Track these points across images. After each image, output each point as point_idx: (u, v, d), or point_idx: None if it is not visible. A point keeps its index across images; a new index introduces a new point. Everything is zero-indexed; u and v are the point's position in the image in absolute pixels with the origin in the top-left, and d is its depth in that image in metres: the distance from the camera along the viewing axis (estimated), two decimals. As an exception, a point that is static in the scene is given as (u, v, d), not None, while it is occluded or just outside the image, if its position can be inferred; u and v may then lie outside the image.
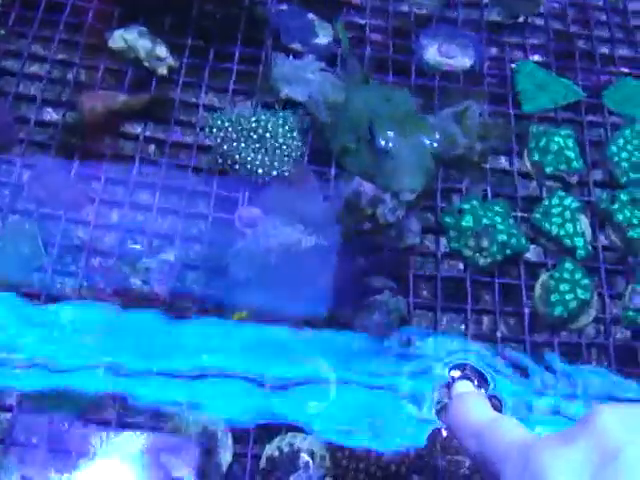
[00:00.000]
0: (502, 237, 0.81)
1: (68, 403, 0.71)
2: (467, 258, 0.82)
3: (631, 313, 0.80)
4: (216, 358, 0.74)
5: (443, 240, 0.84)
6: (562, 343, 0.79)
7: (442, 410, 0.70)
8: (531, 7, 1.01)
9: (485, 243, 0.81)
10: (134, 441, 0.71)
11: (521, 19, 1.01)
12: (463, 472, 0.71)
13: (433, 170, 0.78)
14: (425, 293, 0.82)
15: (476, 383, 0.70)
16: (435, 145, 0.78)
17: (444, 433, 0.66)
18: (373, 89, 0.83)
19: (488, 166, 0.89)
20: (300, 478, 0.69)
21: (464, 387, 0.56)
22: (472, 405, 0.50)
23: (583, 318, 0.79)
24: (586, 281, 0.79)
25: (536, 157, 0.87)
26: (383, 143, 0.76)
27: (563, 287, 0.78)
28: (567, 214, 0.83)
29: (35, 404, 0.71)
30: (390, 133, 0.77)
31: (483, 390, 0.71)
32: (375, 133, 0.75)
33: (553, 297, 0.78)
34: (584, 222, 0.84)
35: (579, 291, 0.78)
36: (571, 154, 0.87)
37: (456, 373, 0.72)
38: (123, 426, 0.71)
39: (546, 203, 0.85)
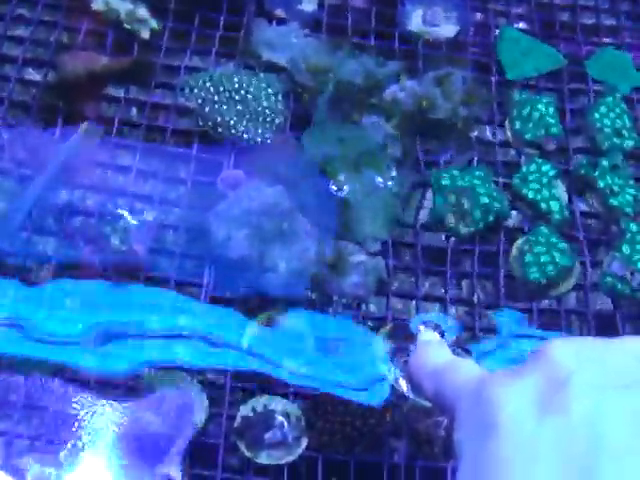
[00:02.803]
0: (484, 199, 0.81)
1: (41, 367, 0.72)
2: (449, 228, 0.82)
3: (609, 279, 0.80)
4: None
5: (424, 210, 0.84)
6: (541, 310, 0.79)
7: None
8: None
9: (466, 204, 0.80)
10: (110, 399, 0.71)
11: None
12: (439, 433, 0.71)
13: (398, 211, 0.78)
14: (406, 258, 0.82)
15: (438, 335, 0.71)
16: (390, 184, 0.78)
17: (403, 385, 0.66)
18: (328, 130, 0.83)
19: (471, 133, 0.88)
20: (275, 436, 0.69)
21: (427, 336, 0.57)
22: (432, 349, 0.51)
23: (563, 285, 0.79)
24: (563, 244, 0.79)
25: (517, 125, 0.87)
26: (334, 189, 0.77)
27: (538, 249, 0.78)
28: (544, 180, 0.83)
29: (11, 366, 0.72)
30: (342, 178, 0.78)
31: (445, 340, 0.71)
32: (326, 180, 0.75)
33: (527, 258, 0.78)
34: (560, 188, 0.84)
35: (556, 255, 0.78)
36: (551, 120, 0.87)
37: (421, 327, 0.72)
38: (99, 384, 0.71)
39: (524, 170, 0.85)
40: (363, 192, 0.80)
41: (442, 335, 0.70)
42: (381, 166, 0.81)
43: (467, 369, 0.46)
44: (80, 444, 0.69)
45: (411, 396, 0.62)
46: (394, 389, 0.69)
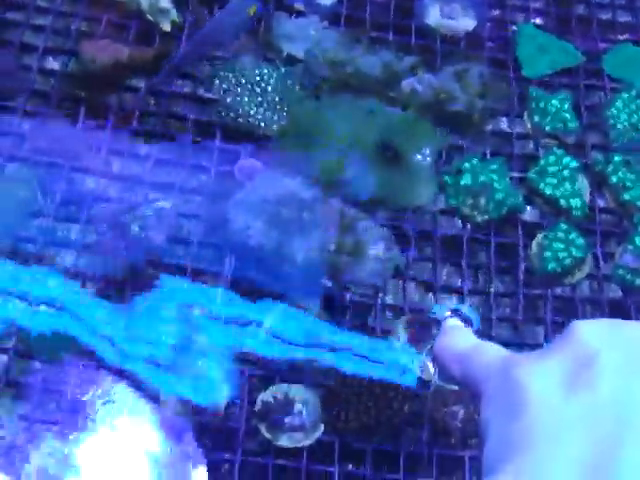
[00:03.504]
0: (499, 195, 0.81)
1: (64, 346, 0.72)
2: (465, 217, 0.82)
3: (620, 271, 0.81)
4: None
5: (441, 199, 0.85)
6: (556, 297, 0.80)
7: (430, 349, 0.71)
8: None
9: (482, 201, 0.81)
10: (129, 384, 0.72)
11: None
12: (456, 424, 0.72)
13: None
14: (423, 249, 0.83)
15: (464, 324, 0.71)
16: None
17: (431, 368, 0.66)
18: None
19: (489, 127, 0.89)
20: (294, 420, 0.70)
21: (453, 323, 0.58)
22: (457, 334, 0.52)
23: (577, 274, 0.80)
24: (581, 241, 0.80)
25: (536, 119, 0.88)
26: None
27: (557, 246, 0.79)
28: (565, 173, 0.84)
29: (31, 346, 0.72)
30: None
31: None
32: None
33: (546, 254, 0.79)
34: (583, 182, 0.85)
35: (573, 250, 0.79)
36: (567, 115, 0.88)
37: (447, 313, 0.73)
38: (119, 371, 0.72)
39: (542, 162, 0.85)
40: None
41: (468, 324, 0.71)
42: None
43: (493, 350, 0.47)
44: (99, 425, 0.69)
45: (438, 380, 0.63)
46: (420, 378, 0.70)
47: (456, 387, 0.59)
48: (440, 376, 0.61)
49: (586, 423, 0.36)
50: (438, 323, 0.69)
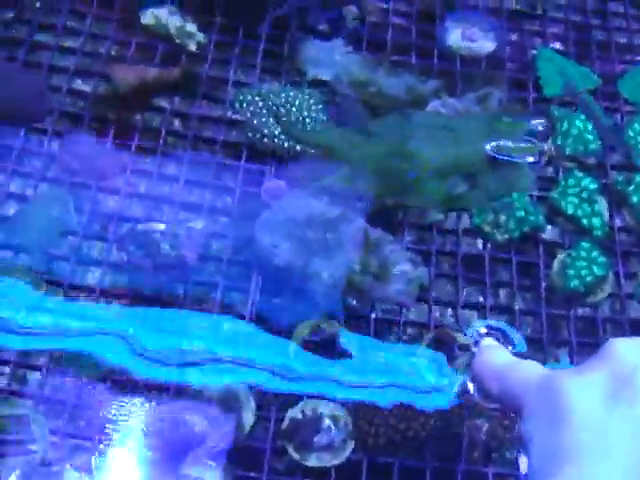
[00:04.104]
0: (520, 213, 0.83)
1: (92, 366, 0.73)
2: (486, 234, 0.84)
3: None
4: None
5: (464, 219, 0.86)
6: (577, 317, 0.82)
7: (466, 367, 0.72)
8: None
9: (503, 218, 0.83)
10: (158, 402, 0.73)
11: (539, 10, 1.03)
12: (480, 437, 0.73)
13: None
14: (446, 267, 0.84)
15: (502, 341, 0.72)
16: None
17: (470, 386, 0.67)
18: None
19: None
20: (322, 439, 0.71)
21: (489, 342, 0.59)
22: (495, 352, 0.53)
23: (599, 294, 0.81)
24: (603, 259, 0.81)
25: (557, 140, 0.89)
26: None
27: (580, 264, 0.80)
28: (585, 194, 0.85)
29: (62, 365, 0.73)
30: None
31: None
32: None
33: (569, 272, 0.80)
34: (602, 203, 0.86)
35: (595, 268, 0.80)
36: (589, 137, 0.89)
37: (483, 330, 0.74)
38: (148, 388, 0.73)
39: (563, 183, 0.87)
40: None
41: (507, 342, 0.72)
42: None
43: (531, 367, 0.48)
44: (119, 443, 0.70)
45: (477, 397, 0.64)
46: (459, 394, 0.71)
47: (495, 404, 0.60)
48: (479, 393, 0.62)
49: (629, 436, 0.37)
50: (475, 342, 0.71)
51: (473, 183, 0.84)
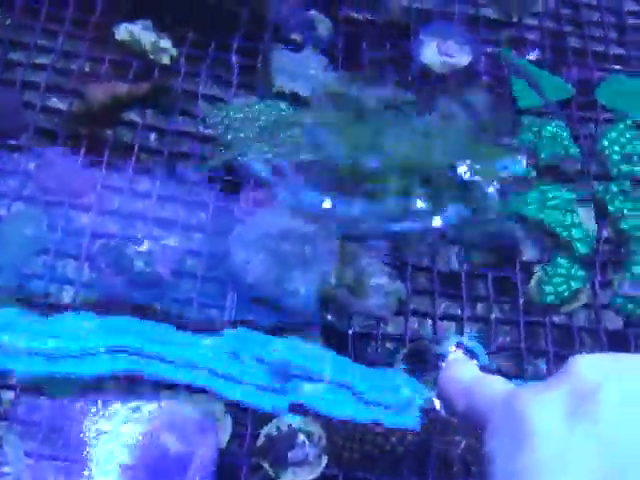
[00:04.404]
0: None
1: (67, 386, 0.73)
2: (464, 247, 0.84)
3: (620, 300, 0.82)
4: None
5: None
6: (554, 325, 0.82)
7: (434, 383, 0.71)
8: (527, 7, 1.03)
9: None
10: (134, 420, 0.72)
11: (515, 19, 1.03)
12: (458, 453, 0.72)
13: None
14: (423, 280, 0.84)
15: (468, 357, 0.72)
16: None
17: (436, 403, 0.67)
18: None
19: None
20: (297, 455, 0.70)
21: (456, 355, 0.59)
22: (461, 367, 0.52)
23: (573, 303, 0.81)
24: (581, 273, 0.82)
25: (533, 150, 0.90)
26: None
27: (557, 280, 0.80)
28: (563, 205, 0.85)
29: (36, 385, 0.73)
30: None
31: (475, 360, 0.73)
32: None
33: (547, 288, 0.80)
34: (582, 214, 0.86)
35: (572, 283, 0.80)
36: (565, 146, 0.89)
37: (452, 348, 0.73)
38: (124, 407, 0.72)
39: (541, 195, 0.86)
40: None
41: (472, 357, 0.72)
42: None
43: (497, 383, 0.47)
44: (98, 465, 0.70)
45: (443, 414, 0.63)
46: (426, 411, 0.70)
47: (461, 421, 0.60)
48: (445, 410, 0.62)
49: (590, 455, 0.37)
50: (442, 356, 0.70)
51: (431, 194, 0.84)
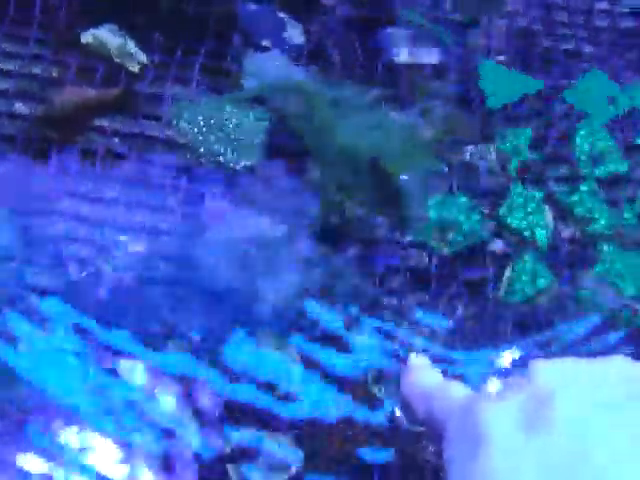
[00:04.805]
0: (465, 228, 0.83)
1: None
2: (432, 248, 0.83)
3: (584, 292, 0.83)
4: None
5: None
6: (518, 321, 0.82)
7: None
8: (495, 8, 1.03)
9: (450, 236, 0.83)
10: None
11: (484, 19, 1.03)
12: (428, 458, 0.72)
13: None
14: (393, 280, 0.83)
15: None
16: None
17: (396, 410, 0.67)
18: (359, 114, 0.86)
19: (455, 161, 0.90)
20: (267, 459, 0.70)
21: (417, 360, 0.58)
22: (422, 373, 0.52)
23: (540, 298, 0.82)
24: (546, 272, 0.82)
25: (501, 151, 0.89)
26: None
27: (524, 278, 0.80)
28: (530, 206, 0.85)
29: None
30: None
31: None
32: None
33: (514, 287, 0.80)
34: (547, 214, 0.86)
35: (539, 281, 0.80)
36: (532, 146, 0.89)
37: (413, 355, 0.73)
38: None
39: (508, 195, 0.86)
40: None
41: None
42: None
43: (455, 390, 0.47)
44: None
45: (404, 420, 0.63)
46: (388, 415, 0.70)
47: (422, 428, 0.59)
48: (406, 417, 0.61)
49: (545, 464, 0.37)
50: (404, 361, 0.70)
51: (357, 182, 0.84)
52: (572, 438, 0.37)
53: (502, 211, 0.86)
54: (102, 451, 0.70)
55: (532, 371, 0.41)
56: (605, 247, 0.84)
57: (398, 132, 0.88)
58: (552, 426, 0.38)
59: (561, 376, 0.40)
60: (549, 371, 0.41)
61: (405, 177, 0.85)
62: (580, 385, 0.40)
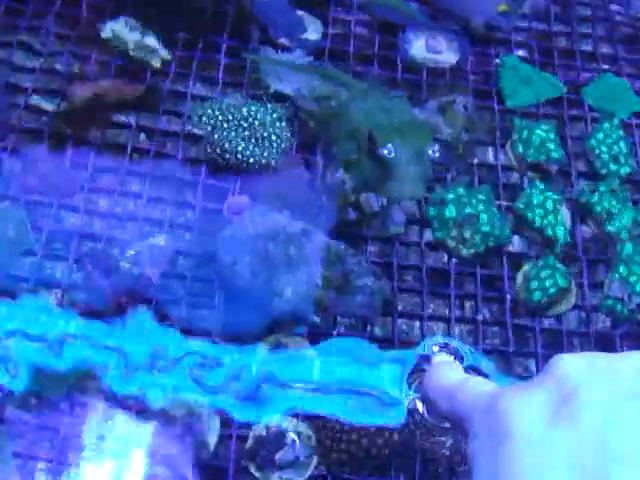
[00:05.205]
0: (485, 228, 0.82)
1: (55, 383, 0.73)
2: (451, 249, 0.83)
3: (610, 301, 0.82)
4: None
5: (427, 231, 0.86)
6: (543, 330, 0.81)
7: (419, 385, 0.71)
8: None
9: (468, 234, 0.82)
10: (122, 419, 0.72)
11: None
12: (444, 453, 0.72)
13: (431, 176, 0.82)
14: (410, 280, 0.84)
15: (453, 359, 0.72)
16: (437, 155, 0.81)
17: (419, 405, 0.67)
18: (372, 99, 0.86)
19: (474, 159, 0.90)
20: (286, 455, 0.70)
21: (441, 357, 0.59)
22: (445, 369, 0.53)
23: (562, 305, 0.81)
24: (564, 269, 0.81)
25: (519, 149, 0.89)
26: (385, 152, 0.79)
27: (543, 275, 0.80)
28: (549, 204, 0.85)
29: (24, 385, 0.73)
30: (390, 144, 0.81)
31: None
32: (377, 143, 0.78)
33: (533, 284, 0.80)
34: (565, 213, 0.86)
35: (559, 279, 0.80)
36: (551, 145, 0.89)
37: (436, 348, 0.73)
38: (111, 407, 0.72)
39: (527, 193, 0.86)
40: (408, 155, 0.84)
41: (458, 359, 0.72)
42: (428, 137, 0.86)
43: (480, 385, 0.47)
44: (88, 465, 0.70)
45: (427, 416, 0.63)
46: (410, 411, 0.70)
47: (446, 424, 0.59)
48: (429, 413, 0.61)
49: (570, 456, 0.37)
50: (427, 358, 0.70)
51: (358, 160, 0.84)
52: (597, 429, 0.37)
53: (520, 207, 0.86)
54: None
55: (554, 365, 0.42)
56: (628, 247, 0.84)
57: (399, 113, 0.89)
58: (577, 418, 0.38)
59: (584, 369, 0.41)
60: (572, 365, 0.41)
61: (391, 149, 0.85)
62: (603, 377, 0.40)
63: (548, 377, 0.41)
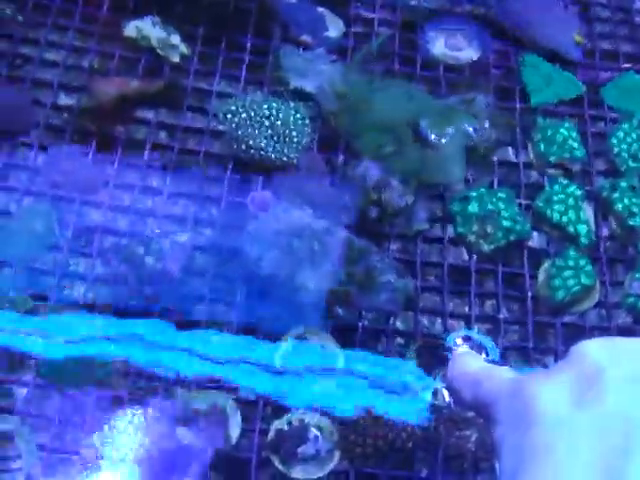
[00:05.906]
0: (506, 223, 0.83)
1: (82, 373, 0.74)
2: (472, 244, 0.84)
3: (632, 299, 0.82)
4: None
5: (449, 228, 0.86)
6: (564, 324, 0.82)
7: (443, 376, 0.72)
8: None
9: (489, 229, 0.83)
10: (146, 415, 0.73)
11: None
12: (469, 448, 0.73)
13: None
14: (432, 278, 0.84)
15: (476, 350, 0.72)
16: (474, 134, 0.82)
17: (445, 394, 0.67)
18: (392, 89, 0.87)
19: (494, 157, 0.90)
20: (308, 450, 0.71)
21: (462, 349, 0.59)
22: (469, 358, 0.53)
23: (585, 303, 0.81)
24: (589, 267, 0.81)
25: (541, 148, 0.89)
26: (433, 137, 0.80)
27: (567, 273, 0.80)
28: (570, 201, 0.85)
29: (50, 377, 0.73)
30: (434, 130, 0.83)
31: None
32: (425, 130, 0.79)
33: (556, 282, 0.80)
34: (587, 210, 0.86)
35: (582, 277, 0.80)
36: (574, 144, 0.89)
37: (459, 341, 0.74)
38: (135, 401, 0.73)
39: (548, 190, 0.87)
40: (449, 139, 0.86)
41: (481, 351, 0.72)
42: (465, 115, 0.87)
43: (503, 372, 0.48)
44: (109, 457, 0.70)
45: (452, 405, 0.64)
46: (434, 404, 0.71)
47: (470, 412, 0.60)
48: (454, 402, 0.62)
49: (596, 434, 0.38)
50: (450, 350, 0.70)
51: (399, 149, 0.85)
52: (622, 413, 0.38)
53: (541, 205, 0.86)
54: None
55: (579, 350, 0.42)
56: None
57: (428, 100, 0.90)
58: (602, 401, 0.38)
59: (608, 353, 0.41)
60: (596, 349, 0.42)
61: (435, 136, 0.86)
62: (626, 360, 0.40)
63: (573, 362, 0.42)
